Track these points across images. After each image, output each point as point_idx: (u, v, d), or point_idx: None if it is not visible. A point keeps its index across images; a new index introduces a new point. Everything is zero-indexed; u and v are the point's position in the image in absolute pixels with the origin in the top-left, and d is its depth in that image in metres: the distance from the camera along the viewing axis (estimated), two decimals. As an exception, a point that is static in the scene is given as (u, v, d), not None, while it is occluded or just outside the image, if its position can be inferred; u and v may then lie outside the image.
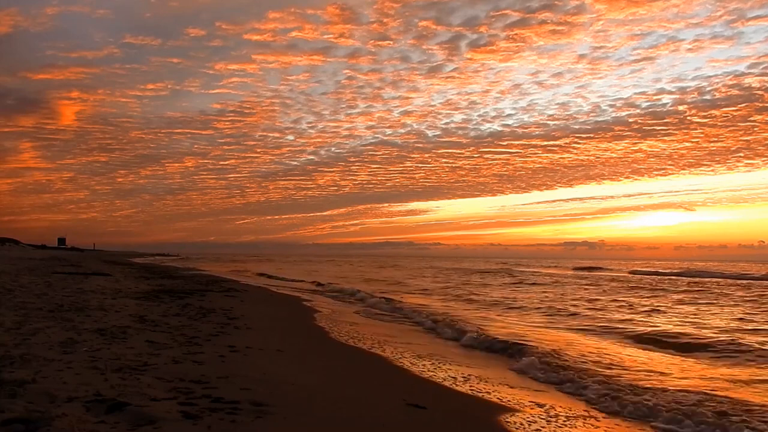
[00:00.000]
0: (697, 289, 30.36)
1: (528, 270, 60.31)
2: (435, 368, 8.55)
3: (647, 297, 24.60)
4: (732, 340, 12.12)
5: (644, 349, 11.36)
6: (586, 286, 32.03)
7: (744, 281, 39.14)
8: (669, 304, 21.00)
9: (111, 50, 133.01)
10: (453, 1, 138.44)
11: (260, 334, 10.07)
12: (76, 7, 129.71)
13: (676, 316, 17.19)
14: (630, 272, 56.79)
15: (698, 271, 55.33)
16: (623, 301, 22.30)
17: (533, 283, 34.10)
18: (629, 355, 10.54)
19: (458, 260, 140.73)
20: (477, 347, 11.09)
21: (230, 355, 7.57)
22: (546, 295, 25.24)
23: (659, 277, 47.19)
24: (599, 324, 14.84)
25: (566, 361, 9.35)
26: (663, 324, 15.24)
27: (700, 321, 16.03)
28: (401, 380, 7.64)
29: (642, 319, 16.45)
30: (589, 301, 22.14)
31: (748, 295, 26.09)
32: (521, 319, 16.12)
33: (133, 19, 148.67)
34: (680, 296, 25.09)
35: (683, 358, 10.50)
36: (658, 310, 18.88)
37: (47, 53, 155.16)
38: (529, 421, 5.90)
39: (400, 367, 8.51)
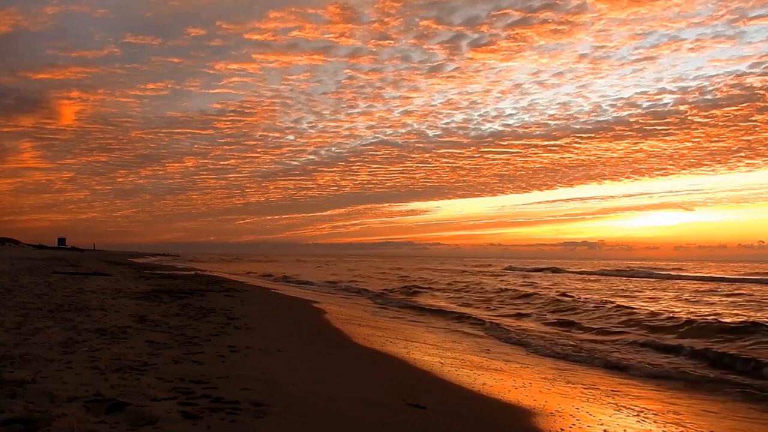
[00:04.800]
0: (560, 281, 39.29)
1: (462, 269, 68.04)
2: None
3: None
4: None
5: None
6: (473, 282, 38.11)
7: (640, 278, 45.59)
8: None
9: (111, 50, 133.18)
10: (454, 0, 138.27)
11: (260, 334, 10.06)
12: (76, 6, 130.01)
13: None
14: (551, 269, 66.83)
15: (614, 270, 61.95)
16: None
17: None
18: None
19: (425, 260, 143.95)
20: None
21: (230, 355, 7.55)
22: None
23: (576, 275, 53.90)
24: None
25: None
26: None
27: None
28: (404, 378, 7.64)
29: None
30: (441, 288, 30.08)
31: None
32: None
33: (133, 18, 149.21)
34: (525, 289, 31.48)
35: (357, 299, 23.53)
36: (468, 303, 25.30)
37: (47, 53, 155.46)
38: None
39: (403, 366, 8.51)
